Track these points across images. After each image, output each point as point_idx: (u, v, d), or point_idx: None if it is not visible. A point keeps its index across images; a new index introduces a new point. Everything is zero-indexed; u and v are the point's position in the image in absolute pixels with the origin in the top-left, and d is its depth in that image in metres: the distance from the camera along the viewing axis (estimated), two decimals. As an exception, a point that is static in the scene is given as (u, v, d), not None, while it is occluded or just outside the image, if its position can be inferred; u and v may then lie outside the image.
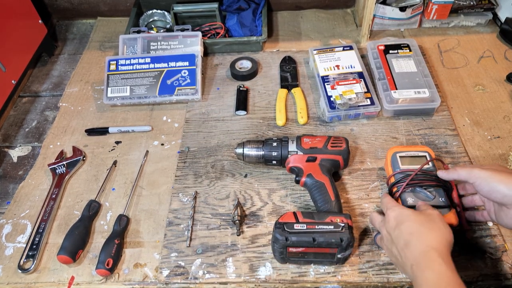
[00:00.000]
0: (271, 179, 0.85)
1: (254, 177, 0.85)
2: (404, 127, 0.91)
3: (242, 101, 0.98)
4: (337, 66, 1.00)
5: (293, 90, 1.00)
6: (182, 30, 1.10)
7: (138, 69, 1.01)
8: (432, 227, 0.60)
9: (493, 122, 0.91)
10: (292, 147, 0.80)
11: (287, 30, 1.20)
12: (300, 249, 0.66)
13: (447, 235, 0.60)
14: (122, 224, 0.77)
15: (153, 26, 1.21)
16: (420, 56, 0.99)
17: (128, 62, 1.02)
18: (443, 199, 0.70)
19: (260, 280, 0.70)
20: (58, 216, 0.81)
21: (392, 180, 0.75)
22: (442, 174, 0.71)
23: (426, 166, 0.74)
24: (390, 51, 1.01)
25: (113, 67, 1.02)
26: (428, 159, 0.76)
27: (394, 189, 0.73)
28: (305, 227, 0.66)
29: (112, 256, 0.71)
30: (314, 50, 1.04)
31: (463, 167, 0.67)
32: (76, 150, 0.91)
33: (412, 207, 0.69)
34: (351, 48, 1.04)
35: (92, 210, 0.80)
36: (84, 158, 0.91)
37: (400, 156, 0.77)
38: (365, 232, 0.75)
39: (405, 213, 0.63)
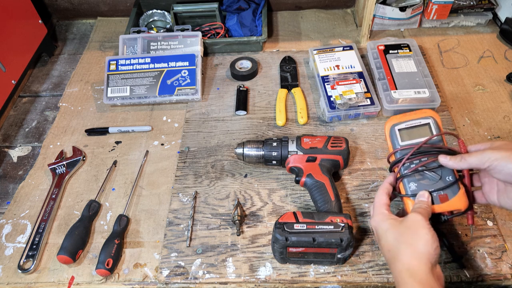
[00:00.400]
0: (271, 179, 0.85)
1: (254, 177, 0.85)
2: (404, 127, 0.91)
3: (242, 101, 0.98)
4: (337, 66, 1.00)
5: (293, 90, 1.00)
6: (182, 30, 1.10)
7: (138, 69, 1.01)
8: (408, 242, 0.56)
9: (493, 122, 0.91)
10: (292, 147, 0.80)
11: (287, 30, 1.20)
12: (300, 249, 0.66)
13: (425, 248, 0.54)
14: (122, 224, 0.77)
15: (153, 26, 1.22)
16: (420, 56, 0.99)
17: (128, 62, 1.02)
18: (450, 177, 0.63)
19: (260, 280, 0.70)
20: (58, 216, 0.81)
21: (393, 158, 0.68)
22: (447, 162, 0.61)
23: (430, 138, 0.65)
24: (390, 51, 1.01)
25: (113, 67, 1.02)
26: (432, 127, 0.67)
27: (396, 169, 0.67)
28: (305, 227, 0.66)
29: (112, 256, 0.71)
30: (314, 50, 1.04)
31: (472, 155, 0.59)
32: (76, 150, 0.91)
33: (410, 195, 0.64)
34: (351, 48, 1.04)
35: (92, 210, 0.80)
36: (84, 158, 0.91)
37: (399, 130, 0.68)
38: (365, 232, 0.75)
39: (383, 227, 0.60)
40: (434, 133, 0.66)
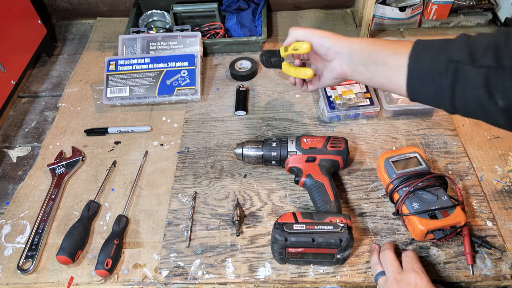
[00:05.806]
0: (271, 179, 0.85)
1: (253, 178, 0.85)
2: (403, 127, 0.91)
3: (241, 101, 0.98)
4: (337, 66, 0.99)
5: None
6: (182, 30, 1.10)
7: (138, 69, 1.01)
8: None
9: (492, 122, 0.91)
10: (291, 147, 0.80)
11: (287, 30, 1.19)
12: (299, 250, 0.66)
13: None
14: (121, 225, 0.77)
15: (152, 26, 1.21)
16: (420, 56, 0.99)
17: (127, 62, 1.02)
18: (445, 197, 0.70)
19: (260, 280, 0.70)
20: (57, 216, 0.81)
21: (391, 186, 0.74)
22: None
23: (419, 167, 0.75)
24: (390, 51, 1.01)
25: (112, 67, 1.02)
26: (419, 158, 0.76)
27: (395, 196, 0.74)
28: (304, 228, 0.66)
29: (111, 256, 0.71)
30: (314, 50, 1.04)
31: (295, 28, 0.75)
32: (75, 151, 0.91)
33: (418, 212, 0.69)
34: (350, 48, 1.04)
35: (92, 210, 0.80)
36: (84, 159, 0.91)
37: (392, 161, 0.77)
38: (364, 233, 0.75)
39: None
40: (423, 164, 0.76)
